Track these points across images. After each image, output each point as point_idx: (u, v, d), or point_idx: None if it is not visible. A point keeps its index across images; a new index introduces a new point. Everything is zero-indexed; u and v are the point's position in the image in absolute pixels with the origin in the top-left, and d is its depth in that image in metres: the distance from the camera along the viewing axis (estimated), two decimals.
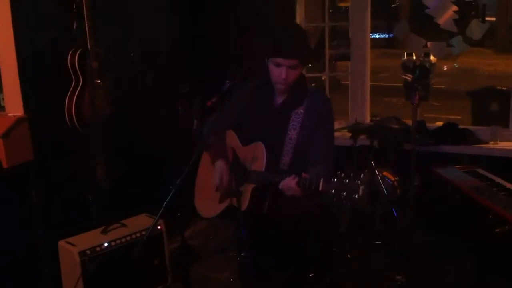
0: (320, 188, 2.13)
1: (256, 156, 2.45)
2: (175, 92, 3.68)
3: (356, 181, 2.02)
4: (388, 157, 3.62)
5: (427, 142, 3.78)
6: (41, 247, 3.15)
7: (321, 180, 2.13)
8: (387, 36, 13.14)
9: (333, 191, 2.07)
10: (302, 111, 2.49)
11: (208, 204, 2.70)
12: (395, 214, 3.43)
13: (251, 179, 2.44)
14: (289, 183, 2.24)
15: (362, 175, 2.03)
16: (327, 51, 4.30)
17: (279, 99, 2.55)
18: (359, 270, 3.29)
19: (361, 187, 2.00)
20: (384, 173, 3.52)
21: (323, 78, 4.91)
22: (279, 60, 2.39)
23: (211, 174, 2.67)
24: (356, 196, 2.00)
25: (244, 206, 2.40)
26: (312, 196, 2.24)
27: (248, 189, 2.43)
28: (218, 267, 3.64)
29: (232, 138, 2.66)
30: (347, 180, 2.04)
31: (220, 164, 2.59)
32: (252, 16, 4.18)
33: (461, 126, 3.96)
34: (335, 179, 2.07)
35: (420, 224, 3.25)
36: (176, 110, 3.60)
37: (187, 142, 3.97)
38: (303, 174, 2.21)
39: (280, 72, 2.40)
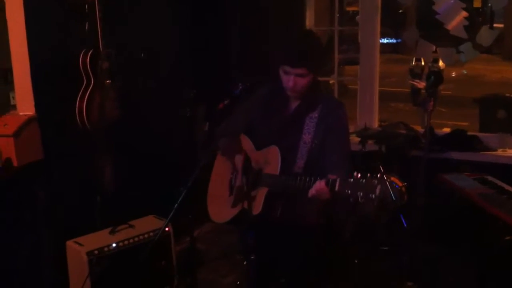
0: (336, 189, 2.12)
1: (270, 160, 2.45)
2: (183, 95, 3.70)
3: (373, 180, 2.01)
4: (396, 163, 3.62)
5: (435, 149, 3.77)
6: (48, 246, 3.16)
7: (337, 180, 2.12)
8: (394, 41, 13.12)
9: (349, 191, 2.06)
10: (316, 115, 2.49)
11: (221, 209, 2.70)
12: (403, 220, 3.42)
13: (265, 182, 2.44)
14: (321, 186, 2.18)
15: (379, 175, 2.04)
16: (336, 55, 4.30)
17: (293, 105, 2.56)
18: (365, 275, 3.28)
19: (378, 187, 1.99)
20: (392, 178, 3.50)
21: (330, 82, 4.91)
22: (287, 68, 2.39)
23: (224, 179, 2.66)
24: (373, 195, 1.99)
25: (257, 210, 2.39)
26: (335, 198, 2.22)
27: (261, 193, 2.42)
28: (223, 270, 3.63)
29: (245, 142, 2.66)
30: (363, 180, 2.03)
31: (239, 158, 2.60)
32: (259, 20, 4.19)
33: (469, 133, 3.96)
34: (351, 180, 2.06)
35: (426, 231, 3.24)
36: (184, 113, 3.62)
37: (194, 144, 4.01)
38: (329, 176, 2.18)
39: (288, 79, 2.40)
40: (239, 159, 2.60)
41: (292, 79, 2.39)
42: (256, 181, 2.45)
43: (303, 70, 2.37)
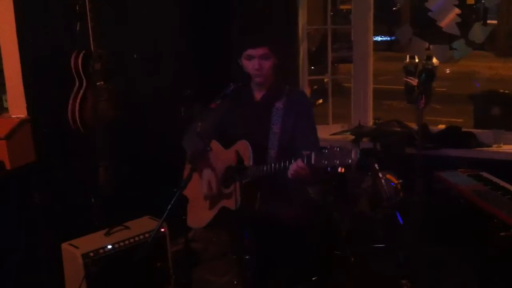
0: (312, 162, 2.16)
1: (241, 154, 2.48)
2: (178, 95, 3.69)
3: (347, 147, 2.07)
4: (390, 160, 3.62)
5: (430, 146, 3.77)
6: (43, 249, 3.14)
7: (313, 154, 2.17)
8: (388, 39, 13.13)
9: (325, 162, 2.10)
10: (281, 106, 2.60)
11: (198, 213, 2.73)
12: (399, 218, 3.42)
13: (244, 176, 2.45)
14: (297, 164, 2.25)
15: (353, 142, 2.11)
16: (329, 53, 4.30)
17: (259, 95, 2.66)
18: (361, 274, 3.27)
19: (353, 151, 2.04)
20: (387, 176, 3.51)
21: (325, 81, 4.91)
22: (250, 51, 2.53)
23: (195, 184, 2.67)
24: (349, 160, 2.04)
25: (236, 204, 2.40)
26: (315, 173, 2.28)
27: (236, 186, 2.43)
28: (219, 270, 3.61)
29: (213, 144, 2.68)
30: (338, 149, 2.08)
31: (206, 172, 2.62)
32: (255, 20, 4.16)
33: (464, 129, 3.96)
34: (326, 151, 2.11)
35: (422, 229, 3.24)
36: (179, 113, 3.61)
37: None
38: (303, 152, 2.25)
39: (253, 64, 2.54)
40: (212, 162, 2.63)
41: (257, 62, 2.53)
42: (230, 178, 2.48)
43: (265, 49, 2.53)
